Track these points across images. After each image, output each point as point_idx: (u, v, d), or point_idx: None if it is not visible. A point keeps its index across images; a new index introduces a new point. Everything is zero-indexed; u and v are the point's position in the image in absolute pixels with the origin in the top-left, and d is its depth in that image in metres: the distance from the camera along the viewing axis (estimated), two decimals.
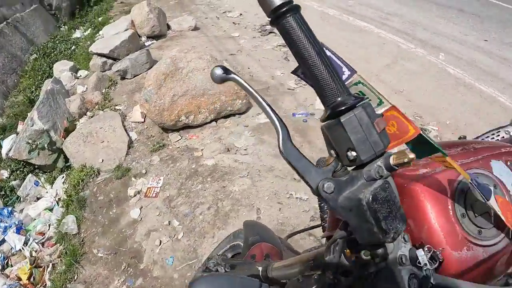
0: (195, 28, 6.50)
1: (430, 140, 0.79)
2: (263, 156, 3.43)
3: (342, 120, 0.60)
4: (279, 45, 5.76)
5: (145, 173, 3.37)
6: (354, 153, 0.60)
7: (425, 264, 0.75)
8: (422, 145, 0.83)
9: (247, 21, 6.98)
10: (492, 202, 0.92)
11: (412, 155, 0.57)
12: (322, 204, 1.69)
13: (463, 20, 7.37)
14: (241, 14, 7.32)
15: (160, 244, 2.76)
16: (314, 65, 0.63)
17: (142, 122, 3.90)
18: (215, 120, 3.88)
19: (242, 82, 0.64)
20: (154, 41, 6.18)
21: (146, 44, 5.97)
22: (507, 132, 1.80)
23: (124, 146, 3.58)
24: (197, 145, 3.60)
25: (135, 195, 3.18)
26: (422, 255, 0.76)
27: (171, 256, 2.67)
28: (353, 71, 0.80)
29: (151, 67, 4.38)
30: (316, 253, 0.87)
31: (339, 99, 0.61)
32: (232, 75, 0.64)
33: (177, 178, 3.27)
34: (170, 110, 3.50)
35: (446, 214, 0.92)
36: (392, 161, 0.59)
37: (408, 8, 7.78)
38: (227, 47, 5.77)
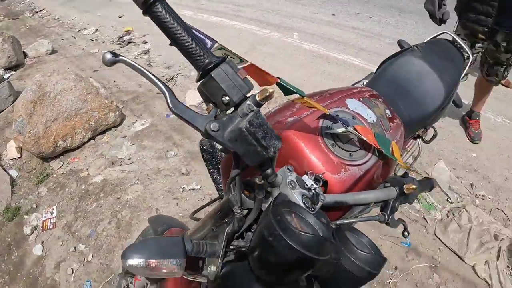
0: (53, 52, 6.26)
1: (288, 86, 1.02)
2: (147, 161, 3.51)
3: (212, 75, 0.77)
4: (140, 53, 5.80)
5: (36, 207, 3.28)
6: (227, 98, 0.76)
7: (312, 185, 0.95)
8: (284, 90, 1.06)
9: (104, 35, 6.88)
10: (352, 129, 1.17)
11: (271, 89, 0.77)
12: (214, 176, 1.86)
13: (311, 1, 8.01)
14: (97, 30, 7.18)
15: (73, 272, 2.74)
16: (184, 40, 0.79)
17: (19, 157, 3.73)
18: (93, 137, 3.85)
19: (129, 61, 0.78)
20: (13, 72, 5.84)
21: (5, 76, 5.60)
22: (362, 84, 2.14)
23: (7, 186, 3.43)
24: (81, 166, 3.56)
25: (32, 232, 3.08)
26: (307, 179, 1.00)
27: (87, 280, 2.68)
28: (214, 41, 1.01)
29: (16, 99, 4.17)
30: (221, 204, 1.05)
31: (207, 60, 0.78)
32: (120, 57, 0.77)
33: (70, 203, 3.23)
34: (46, 137, 3.42)
35: (319, 147, 1.20)
36: (257, 97, 0.76)
37: None
38: (89, 65, 5.68)
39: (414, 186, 1.11)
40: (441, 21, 2.87)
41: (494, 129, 3.99)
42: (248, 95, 0.79)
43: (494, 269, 2.56)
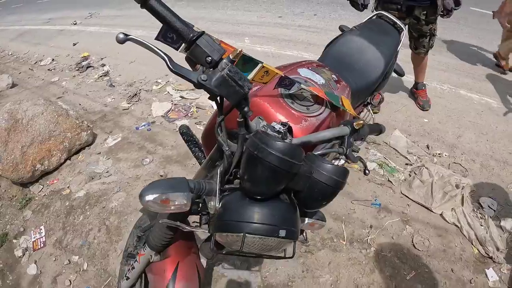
0: (14, 85, 6.20)
1: (251, 56, 1.24)
2: (125, 171, 3.59)
3: (197, 42, 1.01)
4: (100, 76, 5.86)
5: (24, 230, 3.30)
6: (210, 58, 1.00)
7: (280, 127, 1.18)
8: (247, 64, 1.29)
9: (62, 64, 6.89)
10: (305, 86, 1.45)
11: (239, 49, 1.04)
12: (196, 154, 2.13)
13: (257, 6, 8.39)
14: (53, 60, 7.17)
15: (71, 283, 2.78)
16: (174, 22, 1.01)
17: None
18: (69, 158, 3.90)
19: (136, 38, 1.00)
20: None
21: None
22: None
23: None
24: (62, 186, 3.61)
25: (24, 254, 3.10)
26: (275, 124, 1.28)
27: (87, 287, 2.73)
28: (192, 25, 1.24)
29: None
30: (210, 155, 1.31)
31: (191, 34, 1.01)
32: (130, 36, 0.99)
33: (57, 220, 3.27)
34: (24, 162, 3.46)
35: (281, 105, 1.51)
36: (231, 56, 1.01)
37: (207, 10, 8.57)
38: (52, 93, 5.68)
39: (361, 122, 1.33)
40: (363, 6, 3.12)
41: (441, 96, 4.29)
42: (223, 56, 1.02)
43: (461, 214, 2.78)
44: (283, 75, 1.42)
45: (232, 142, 1.23)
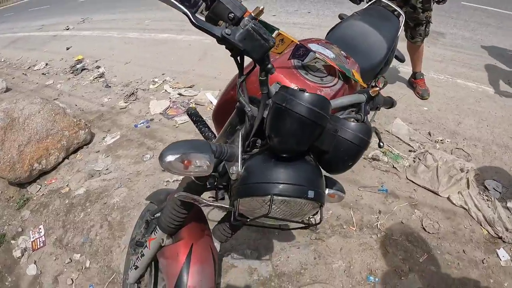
0: (7, 89, 6.08)
1: (266, 22, 1.24)
2: (125, 167, 3.51)
3: None
4: (96, 78, 5.78)
5: (22, 230, 3.20)
6: (232, 14, 0.95)
7: (299, 89, 1.08)
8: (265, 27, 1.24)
9: (56, 68, 6.79)
10: (319, 56, 1.41)
11: (261, 7, 0.97)
12: (205, 134, 2.08)
13: (249, 6, 8.24)
14: (47, 64, 7.06)
15: (73, 282, 2.69)
16: None
17: None
18: (67, 157, 3.81)
19: None
20: None
21: None
22: None
23: None
24: (61, 184, 3.52)
25: (22, 254, 3.00)
26: (293, 86, 1.25)
27: (90, 285, 2.64)
28: None
29: None
30: (229, 121, 1.24)
31: None
32: None
33: (57, 219, 3.18)
34: (21, 162, 3.36)
35: (296, 76, 1.47)
36: (253, 14, 0.96)
37: None
38: (47, 95, 5.57)
39: (377, 89, 1.30)
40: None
41: (439, 86, 4.27)
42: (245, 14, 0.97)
43: (468, 196, 2.74)
44: (298, 43, 1.37)
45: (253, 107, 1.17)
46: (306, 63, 1.49)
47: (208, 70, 5.26)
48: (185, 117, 4.12)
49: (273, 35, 1.28)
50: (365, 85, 1.62)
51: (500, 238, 2.50)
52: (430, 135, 3.43)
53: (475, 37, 5.80)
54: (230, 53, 1.02)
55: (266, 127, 1.02)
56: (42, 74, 6.63)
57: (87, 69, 6.26)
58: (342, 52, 1.80)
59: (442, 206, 2.73)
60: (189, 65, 5.53)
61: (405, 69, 4.29)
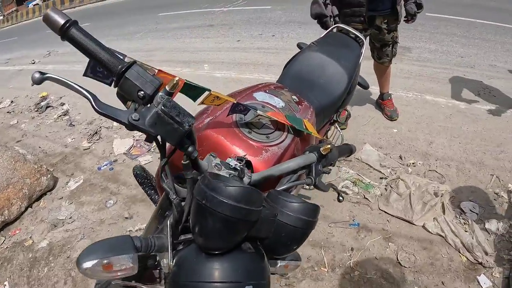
0: None
1: (196, 84, 1.07)
2: (89, 215, 3.37)
3: (126, 75, 0.84)
4: (60, 115, 5.62)
5: None
6: (142, 92, 0.83)
7: (236, 164, 0.98)
8: (193, 91, 1.12)
9: (21, 106, 6.59)
10: (261, 112, 1.27)
11: (177, 77, 0.88)
12: (152, 197, 1.90)
13: (214, 32, 8.31)
14: (12, 102, 6.86)
15: None
16: (99, 53, 0.86)
17: None
18: (30, 206, 3.64)
19: (54, 76, 0.85)
20: None
21: None
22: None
23: None
24: (24, 236, 3.35)
25: None
26: (230, 160, 1.06)
27: None
28: (124, 55, 1.07)
29: None
30: (159, 203, 1.09)
31: (119, 66, 0.84)
32: (47, 75, 0.84)
33: (21, 274, 3.01)
34: None
35: (237, 136, 1.30)
36: (167, 88, 0.85)
37: (166, 40, 8.42)
38: (11, 137, 5.40)
39: (328, 146, 1.17)
40: (331, 18, 3.03)
41: (408, 104, 4.22)
42: (159, 88, 0.86)
43: (444, 222, 2.66)
44: (235, 102, 1.25)
45: (183, 187, 1.05)
46: (249, 121, 1.36)
47: None
48: (150, 157, 3.99)
49: (205, 95, 1.17)
50: (319, 135, 1.51)
51: (480, 263, 2.41)
52: (401, 158, 3.35)
53: (442, 48, 5.82)
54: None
55: (190, 221, 0.91)
56: (8, 112, 6.43)
57: (52, 106, 6.09)
58: (294, 97, 1.69)
59: (417, 236, 2.64)
60: None
61: (373, 90, 4.23)
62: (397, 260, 2.49)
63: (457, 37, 6.34)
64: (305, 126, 1.43)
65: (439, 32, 6.62)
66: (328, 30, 2.66)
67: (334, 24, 2.81)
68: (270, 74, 5.47)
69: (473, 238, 2.53)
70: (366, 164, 3.32)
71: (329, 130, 2.53)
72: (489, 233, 2.61)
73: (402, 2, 3.20)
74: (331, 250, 2.61)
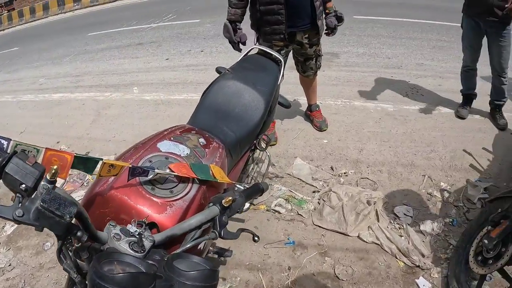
0: None
1: (87, 156, 1.14)
2: (28, 260, 3.27)
3: (6, 170, 0.89)
4: None
5: None
6: (24, 185, 0.88)
7: (135, 231, 1.03)
8: (86, 164, 1.16)
9: None
10: (160, 170, 1.37)
11: (55, 166, 0.90)
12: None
13: (143, 51, 8.26)
14: None
15: None
16: None
17: None
18: None
19: None
20: None
21: None
22: None
23: None
24: None
25: None
26: (131, 227, 1.10)
27: None
28: (8, 139, 1.06)
29: None
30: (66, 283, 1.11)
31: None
32: None
33: None
34: None
35: (141, 194, 1.34)
36: (48, 177, 0.90)
37: (94, 63, 8.25)
38: None
39: (230, 198, 1.24)
40: (239, 44, 3.12)
41: (337, 112, 4.37)
42: (41, 177, 0.91)
43: (378, 230, 2.77)
44: (131, 166, 1.29)
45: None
46: (149, 178, 1.37)
47: (102, 132, 5.08)
48: (83, 192, 3.93)
49: (99, 165, 1.20)
50: (228, 180, 1.55)
51: (418, 266, 2.53)
52: (332, 169, 3.47)
53: (369, 51, 6.07)
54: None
55: None
56: None
57: None
58: (201, 139, 1.72)
59: (353, 247, 2.74)
60: (83, 129, 5.29)
61: (302, 101, 4.35)
62: (335, 274, 2.56)
63: (384, 38, 6.64)
64: (212, 172, 1.48)
65: (367, 34, 6.90)
66: (244, 53, 2.72)
67: (253, 46, 2.88)
68: (199, 92, 5.24)
69: (408, 243, 2.66)
70: (298, 179, 3.41)
71: (252, 155, 2.59)
72: (424, 235, 2.75)
73: (323, 16, 3.34)
74: (268, 272, 2.65)
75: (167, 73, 6.73)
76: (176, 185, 1.40)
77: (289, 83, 4.46)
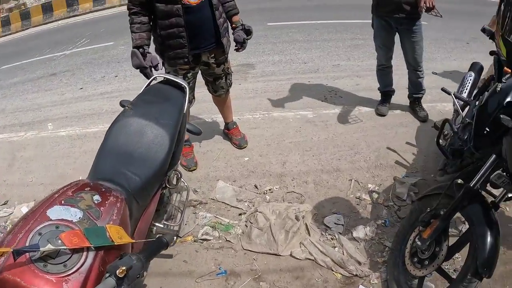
0: None
1: None
2: None
3: None
4: None
5: None
6: None
7: None
8: None
9: None
10: (46, 247, 1.29)
11: None
12: None
13: (57, 82, 8.02)
14: None
15: None
16: None
17: None
18: None
19: None
20: None
21: None
22: None
23: None
24: None
25: None
26: None
27: None
28: None
29: None
30: None
31: None
32: None
33: None
34: None
35: (33, 274, 1.27)
36: None
37: (7, 99, 7.95)
38: None
39: (123, 268, 1.21)
40: (152, 69, 3.06)
41: (256, 126, 4.39)
42: None
43: (310, 245, 2.80)
44: (12, 250, 1.21)
45: None
46: (38, 256, 1.29)
47: (19, 177, 4.75)
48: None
49: None
50: (128, 239, 1.49)
51: (356, 275, 2.57)
52: (257, 187, 3.46)
53: (285, 58, 6.17)
54: None
55: None
56: None
57: None
58: (96, 196, 1.64)
59: (287, 267, 2.73)
60: None
61: (219, 119, 4.32)
62: None
63: (300, 43, 6.78)
64: (109, 234, 1.42)
65: (282, 40, 7.02)
66: (146, 85, 2.66)
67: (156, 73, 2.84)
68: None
69: (343, 253, 2.71)
70: (223, 202, 3.37)
71: (163, 194, 2.54)
72: (358, 241, 2.81)
73: (229, 33, 3.37)
74: None
75: (81, 104, 6.48)
76: (70, 257, 1.33)
77: (204, 101, 4.45)
